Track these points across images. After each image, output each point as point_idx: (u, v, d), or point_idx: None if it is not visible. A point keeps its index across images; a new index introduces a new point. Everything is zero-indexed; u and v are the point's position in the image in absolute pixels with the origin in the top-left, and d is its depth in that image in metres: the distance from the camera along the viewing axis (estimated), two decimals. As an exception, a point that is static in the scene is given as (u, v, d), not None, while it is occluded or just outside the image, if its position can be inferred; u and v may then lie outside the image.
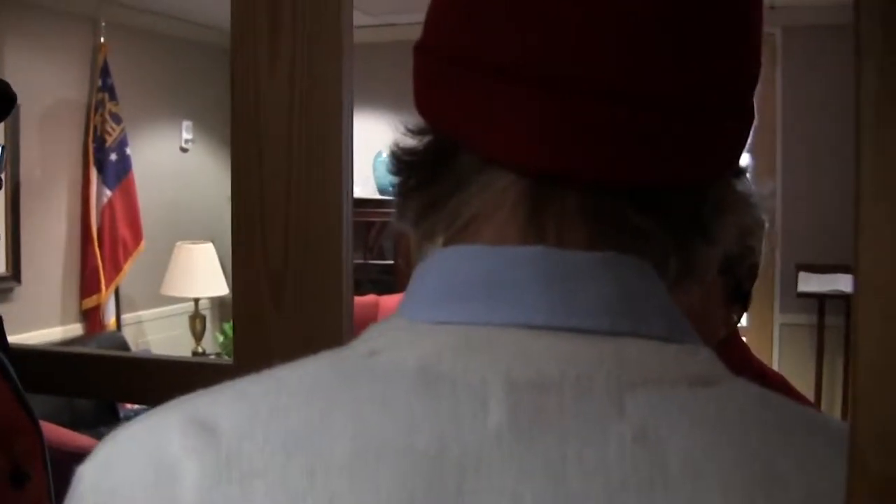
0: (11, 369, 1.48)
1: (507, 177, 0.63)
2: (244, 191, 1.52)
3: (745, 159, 0.70)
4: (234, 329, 1.57)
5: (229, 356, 3.81)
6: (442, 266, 0.65)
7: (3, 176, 1.37)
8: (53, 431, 3.45)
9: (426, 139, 0.68)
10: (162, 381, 1.74)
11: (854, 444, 0.42)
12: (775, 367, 5.10)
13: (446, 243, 0.67)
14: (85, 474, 0.62)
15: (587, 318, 0.60)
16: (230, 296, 7.08)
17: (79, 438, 3.64)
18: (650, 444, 0.56)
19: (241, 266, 1.53)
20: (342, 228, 1.48)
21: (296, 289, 1.49)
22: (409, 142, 0.69)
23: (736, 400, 0.61)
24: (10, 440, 1.40)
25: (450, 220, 0.66)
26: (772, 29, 6.28)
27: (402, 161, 0.70)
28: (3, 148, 1.40)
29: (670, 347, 0.61)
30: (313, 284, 1.49)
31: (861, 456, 0.42)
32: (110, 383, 1.86)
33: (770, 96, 6.32)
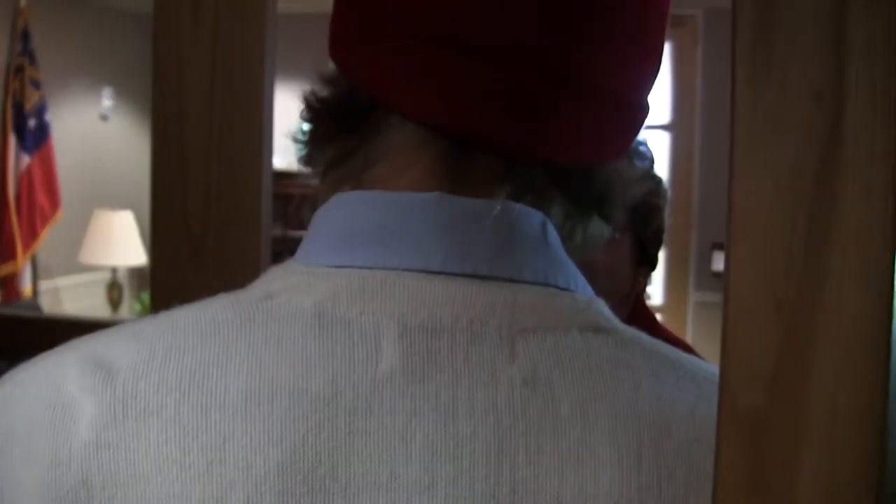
0: None
1: (417, 133, 0.64)
2: (165, 154, 1.52)
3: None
4: (152, 291, 1.56)
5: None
6: (340, 211, 0.65)
7: None
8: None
9: (339, 89, 0.69)
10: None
11: (725, 382, 0.45)
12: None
13: None
14: None
15: (483, 263, 0.61)
16: (149, 265, 7.03)
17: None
18: (540, 387, 0.58)
19: (161, 228, 1.53)
20: (261, 193, 1.49)
21: (215, 253, 1.50)
22: (324, 90, 0.69)
23: (626, 347, 0.63)
24: None
25: (357, 172, 0.67)
26: (693, 10, 6.35)
27: (314, 109, 0.70)
28: None
29: (565, 295, 0.62)
30: (232, 249, 1.49)
31: (731, 392, 0.45)
32: (23, 344, 1.85)
33: (690, 77, 6.39)
